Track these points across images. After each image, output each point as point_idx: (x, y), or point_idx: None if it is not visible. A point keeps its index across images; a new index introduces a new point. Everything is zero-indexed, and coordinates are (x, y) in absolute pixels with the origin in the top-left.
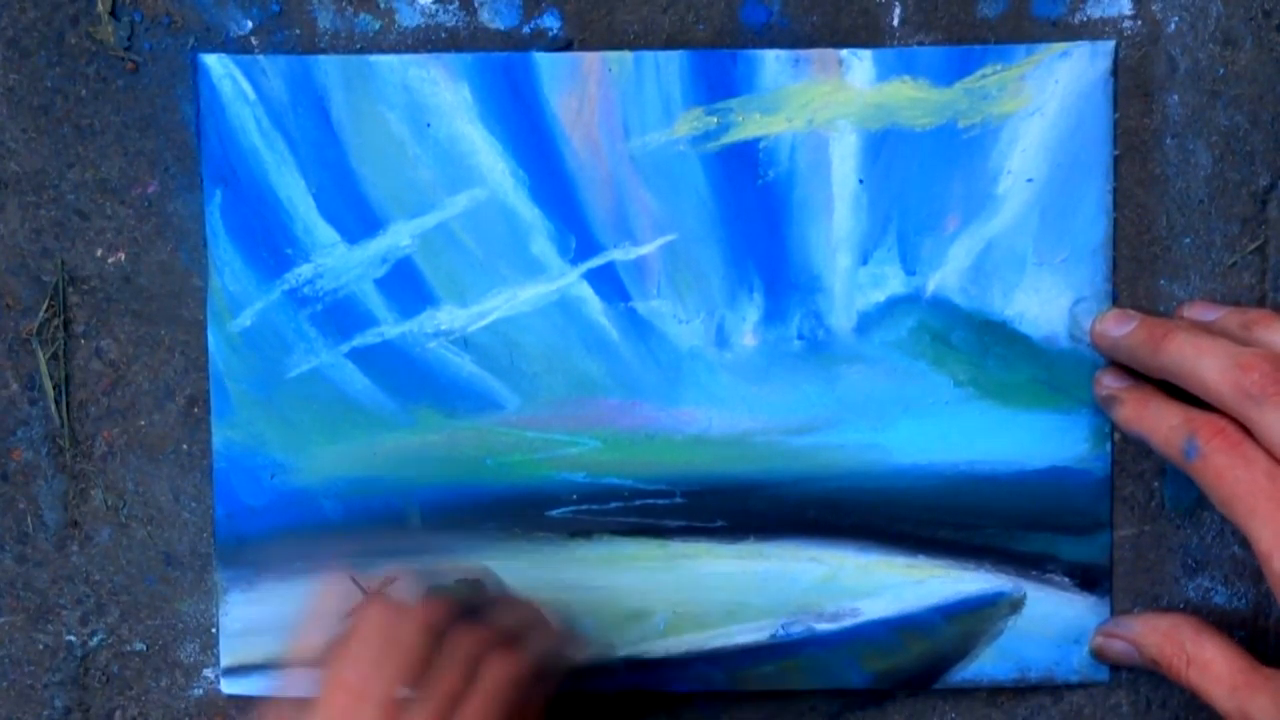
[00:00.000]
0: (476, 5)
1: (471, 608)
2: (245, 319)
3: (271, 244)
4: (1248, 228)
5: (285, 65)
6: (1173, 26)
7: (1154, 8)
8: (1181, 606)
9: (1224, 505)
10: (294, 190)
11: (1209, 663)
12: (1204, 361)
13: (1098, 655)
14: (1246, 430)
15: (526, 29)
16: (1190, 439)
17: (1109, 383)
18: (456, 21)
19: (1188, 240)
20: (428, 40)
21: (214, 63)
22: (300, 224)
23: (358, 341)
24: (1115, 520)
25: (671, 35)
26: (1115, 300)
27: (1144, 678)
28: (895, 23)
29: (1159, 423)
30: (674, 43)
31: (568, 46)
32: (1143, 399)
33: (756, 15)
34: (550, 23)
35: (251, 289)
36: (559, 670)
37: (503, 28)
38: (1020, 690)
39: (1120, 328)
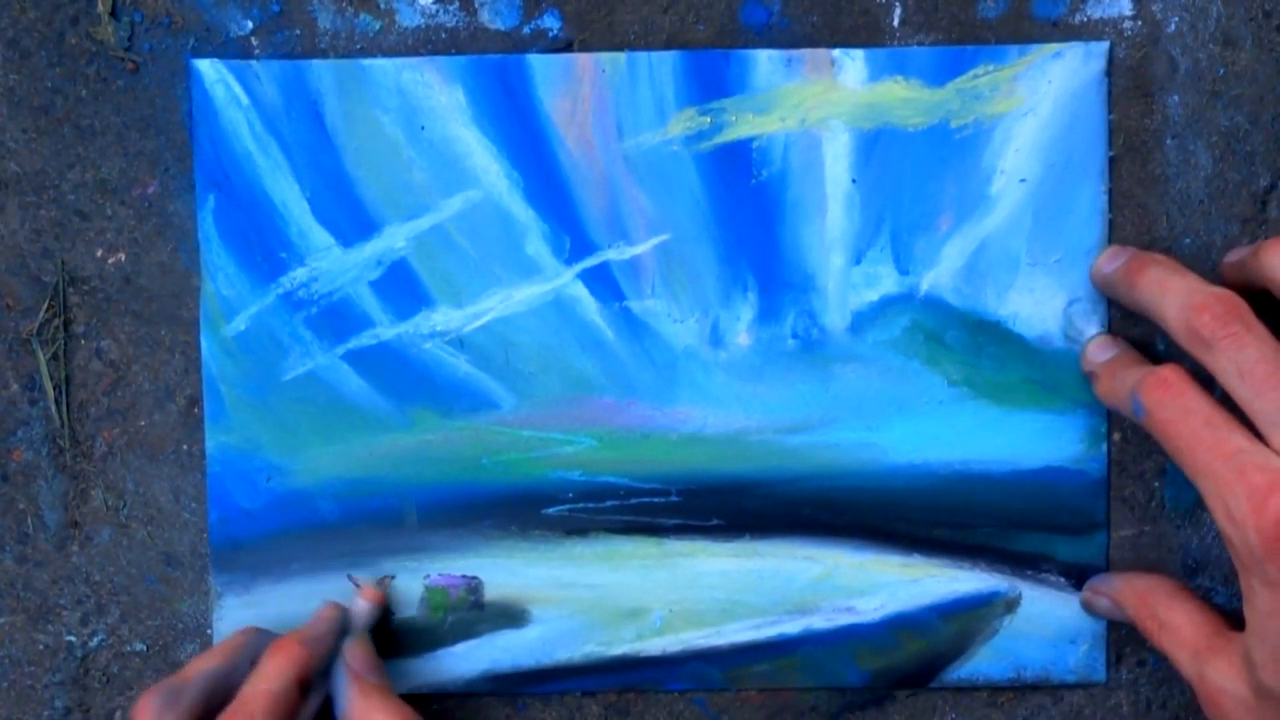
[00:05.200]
0: (477, 5)
1: None
2: (240, 323)
3: (265, 248)
4: (1248, 228)
5: (279, 70)
6: (1173, 26)
7: (1154, 8)
8: None
9: (1174, 459)
10: (288, 194)
11: (1177, 628)
12: (1165, 300)
13: (1086, 608)
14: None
15: (527, 29)
16: (1135, 397)
17: (1090, 355)
18: (456, 22)
19: (1188, 240)
20: (428, 41)
21: (207, 68)
22: (294, 228)
23: (353, 343)
24: (1115, 520)
25: (672, 35)
26: (1110, 301)
27: (1144, 678)
28: (895, 23)
29: (1120, 389)
30: (674, 43)
31: (568, 47)
32: (1112, 370)
33: (757, 15)
34: (550, 23)
35: (246, 293)
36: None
37: (503, 28)
38: (1020, 691)
39: (1110, 264)
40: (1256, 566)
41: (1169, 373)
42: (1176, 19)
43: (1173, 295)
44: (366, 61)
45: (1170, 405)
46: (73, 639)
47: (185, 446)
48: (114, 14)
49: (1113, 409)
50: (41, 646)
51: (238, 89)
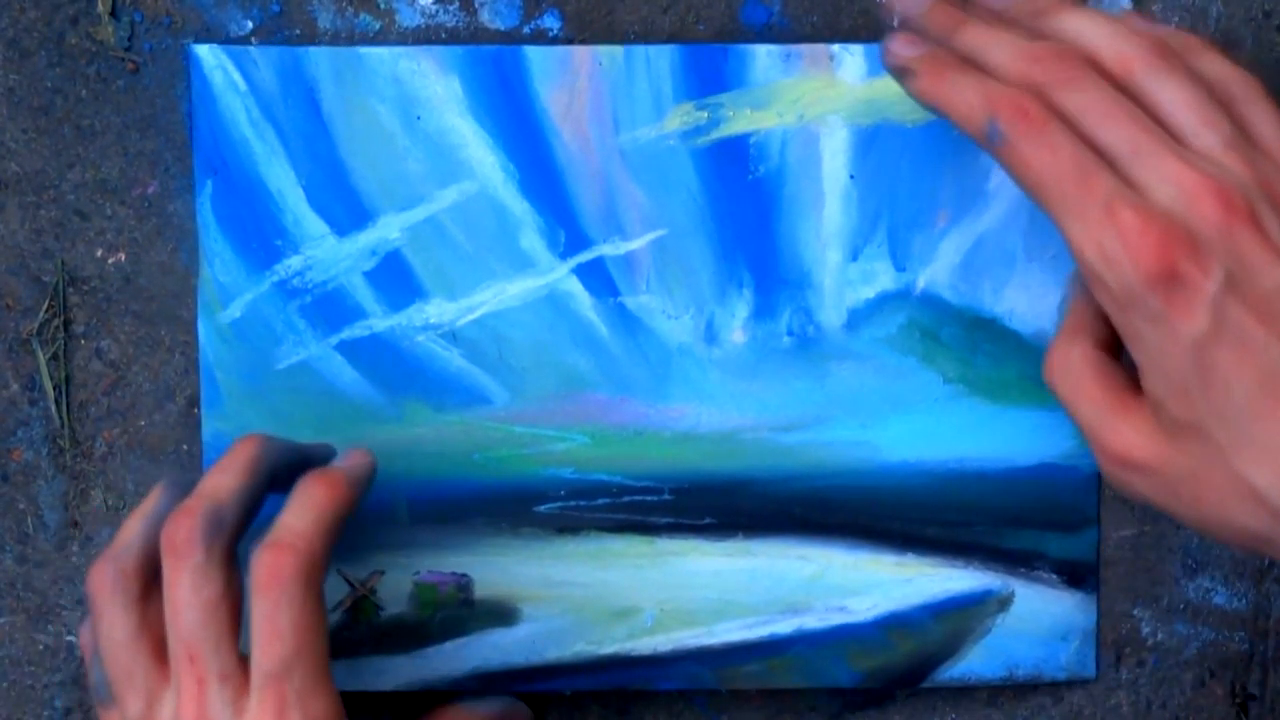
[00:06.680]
0: (477, 5)
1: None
2: (235, 310)
3: (261, 235)
4: None
5: (276, 56)
6: (1173, 27)
7: (1154, 8)
8: (1181, 607)
9: (1033, 193)
10: (284, 181)
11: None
12: (991, 52)
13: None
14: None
15: (527, 29)
16: (992, 121)
17: (898, 50)
18: (457, 22)
19: None
20: (428, 41)
21: (206, 53)
22: (290, 215)
23: (346, 334)
24: (1115, 520)
25: (672, 35)
26: None
27: (1144, 678)
28: (895, 23)
29: (957, 96)
30: (674, 43)
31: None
32: (938, 68)
33: (757, 15)
34: (550, 23)
35: (241, 280)
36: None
37: (503, 28)
38: (1020, 690)
39: (908, 48)
40: (1139, 303)
41: (1029, 103)
42: (1176, 19)
43: (998, 47)
44: (363, 50)
45: (1035, 139)
46: (73, 639)
47: (185, 446)
48: (114, 14)
49: (932, 109)
50: (41, 646)
51: (235, 75)
